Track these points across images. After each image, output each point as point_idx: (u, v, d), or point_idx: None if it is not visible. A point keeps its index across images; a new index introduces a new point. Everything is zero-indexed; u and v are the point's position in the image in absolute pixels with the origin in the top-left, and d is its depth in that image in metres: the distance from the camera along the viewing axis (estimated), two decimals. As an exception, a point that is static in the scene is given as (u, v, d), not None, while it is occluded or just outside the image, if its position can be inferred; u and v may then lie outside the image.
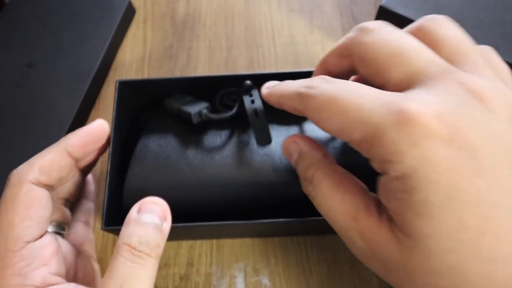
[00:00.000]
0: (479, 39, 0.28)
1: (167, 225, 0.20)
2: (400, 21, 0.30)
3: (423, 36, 0.18)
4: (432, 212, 0.14)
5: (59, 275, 0.19)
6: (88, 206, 0.26)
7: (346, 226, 0.18)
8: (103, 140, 0.23)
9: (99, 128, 0.22)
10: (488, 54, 0.18)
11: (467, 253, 0.14)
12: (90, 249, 0.25)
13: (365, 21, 0.20)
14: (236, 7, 0.41)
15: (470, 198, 0.14)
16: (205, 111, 0.25)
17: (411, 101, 0.15)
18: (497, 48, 0.28)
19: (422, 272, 0.15)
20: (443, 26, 0.18)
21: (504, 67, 0.18)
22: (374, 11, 0.39)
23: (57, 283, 0.19)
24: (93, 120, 0.35)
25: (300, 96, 0.18)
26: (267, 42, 0.39)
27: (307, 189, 0.20)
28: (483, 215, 0.14)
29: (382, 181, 0.16)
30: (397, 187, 0.15)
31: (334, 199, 0.18)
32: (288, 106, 0.20)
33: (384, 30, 0.18)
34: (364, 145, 0.16)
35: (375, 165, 0.16)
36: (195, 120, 0.25)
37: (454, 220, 0.14)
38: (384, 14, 0.31)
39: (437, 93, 0.16)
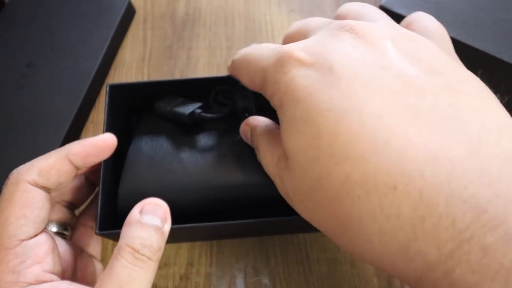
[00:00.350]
0: (479, 39, 0.28)
1: (168, 227, 0.20)
2: (400, 21, 0.30)
3: (337, 18, 0.20)
4: (297, 126, 0.16)
5: (53, 273, 0.20)
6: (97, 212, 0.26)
7: (273, 174, 0.19)
8: (107, 154, 0.22)
9: (104, 141, 0.22)
10: (412, 19, 0.19)
11: (326, 158, 0.15)
12: (95, 251, 0.25)
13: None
14: (236, 7, 0.41)
15: (323, 106, 0.15)
16: (198, 111, 0.25)
17: (291, 44, 0.17)
18: (497, 48, 0.28)
19: (303, 191, 0.16)
20: (346, 4, 0.20)
21: (430, 23, 0.19)
22: (374, 11, 0.39)
23: (51, 280, 0.19)
24: (92, 120, 0.36)
25: (231, 63, 0.22)
26: (267, 42, 0.39)
27: (258, 157, 0.22)
28: (335, 119, 0.14)
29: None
30: (280, 114, 0.17)
31: (266, 153, 0.20)
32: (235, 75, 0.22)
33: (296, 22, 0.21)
34: (263, 88, 0.18)
35: (272, 104, 0.18)
36: (189, 121, 0.25)
37: (312, 129, 0.15)
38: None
39: (316, 35, 0.18)
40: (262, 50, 0.19)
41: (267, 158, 0.20)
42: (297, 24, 0.21)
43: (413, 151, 0.13)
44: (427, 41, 0.17)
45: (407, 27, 0.19)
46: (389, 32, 0.17)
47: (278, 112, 0.18)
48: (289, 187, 0.18)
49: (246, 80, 0.20)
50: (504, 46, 0.28)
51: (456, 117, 0.14)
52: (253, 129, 0.22)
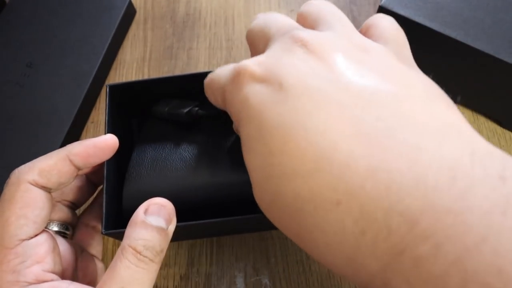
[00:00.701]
0: (479, 39, 0.28)
1: (173, 227, 0.20)
2: (400, 21, 0.30)
3: (299, 17, 0.20)
4: (251, 145, 0.16)
5: (53, 272, 0.20)
6: (99, 212, 0.26)
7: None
8: (108, 155, 0.22)
9: (106, 142, 0.22)
10: (372, 22, 0.20)
11: (278, 176, 0.15)
12: (96, 250, 0.26)
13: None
14: (236, 7, 0.41)
15: (272, 124, 0.15)
16: (196, 108, 0.25)
17: (246, 61, 0.17)
18: (497, 48, 0.28)
19: (264, 205, 0.16)
20: (309, 4, 0.20)
21: (387, 27, 0.19)
22: (373, 11, 0.39)
23: (51, 280, 0.19)
24: (93, 120, 0.36)
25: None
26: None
27: None
28: (283, 136, 0.15)
29: None
30: (239, 132, 0.17)
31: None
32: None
33: (261, 15, 0.21)
34: (226, 107, 0.18)
35: (234, 124, 0.18)
36: (187, 119, 0.25)
37: (264, 147, 0.15)
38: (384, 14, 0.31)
39: (271, 48, 0.18)
40: (223, 69, 0.19)
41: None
42: (259, 24, 0.20)
43: (355, 165, 0.13)
44: (380, 49, 0.17)
45: (366, 30, 0.19)
46: (341, 44, 0.17)
47: (239, 130, 0.18)
48: (255, 197, 0.18)
49: (211, 99, 0.20)
50: (503, 46, 0.28)
51: (399, 126, 0.14)
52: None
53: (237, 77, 0.17)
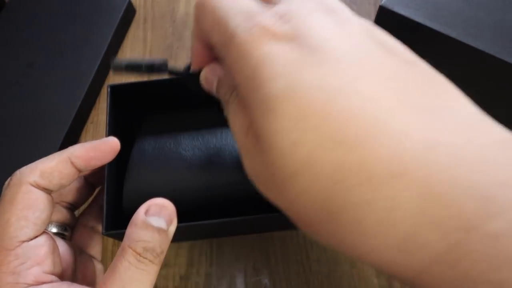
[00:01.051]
0: (479, 39, 0.28)
1: (173, 228, 0.20)
2: (400, 21, 0.30)
3: None
4: (274, 105, 0.14)
5: (53, 274, 0.20)
6: (98, 212, 0.26)
7: (240, 144, 0.17)
8: (110, 158, 0.22)
9: (107, 145, 0.22)
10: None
11: (314, 142, 0.13)
12: (95, 251, 0.26)
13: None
14: (236, 7, 0.41)
15: (310, 84, 0.13)
16: (159, 62, 0.21)
17: (268, 16, 0.15)
18: (497, 48, 0.28)
19: (282, 177, 0.14)
20: None
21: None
22: (374, 11, 0.39)
23: (51, 282, 0.19)
24: (92, 121, 0.36)
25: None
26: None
27: (225, 112, 0.19)
28: (325, 99, 0.13)
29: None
30: (247, 89, 0.15)
31: (236, 118, 0.17)
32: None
33: (202, 3, 0.18)
34: (223, 49, 0.16)
35: (233, 76, 0.16)
36: (146, 70, 0.21)
37: (295, 109, 0.13)
38: (384, 14, 0.31)
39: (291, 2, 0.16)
40: (235, 7, 0.16)
41: (237, 124, 0.17)
42: (210, 15, 0.17)
43: (415, 137, 0.12)
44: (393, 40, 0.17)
45: None
46: (364, 24, 0.16)
47: (239, 89, 0.16)
48: (259, 171, 0.16)
49: (205, 25, 0.17)
50: (504, 46, 0.28)
51: (445, 106, 0.13)
52: (221, 79, 0.19)
53: (255, 30, 0.15)
